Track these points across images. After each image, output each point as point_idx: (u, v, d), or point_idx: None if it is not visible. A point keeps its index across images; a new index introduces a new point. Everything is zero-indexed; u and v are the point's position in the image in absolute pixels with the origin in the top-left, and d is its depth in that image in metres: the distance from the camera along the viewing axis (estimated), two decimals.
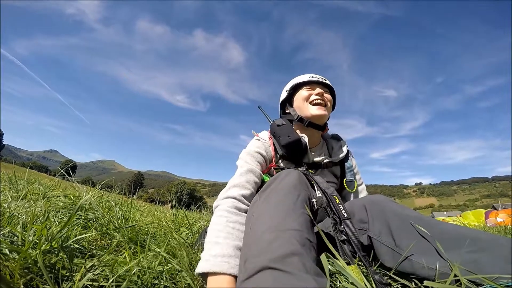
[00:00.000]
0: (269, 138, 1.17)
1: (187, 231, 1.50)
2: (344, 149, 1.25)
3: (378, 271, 0.71)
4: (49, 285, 0.41)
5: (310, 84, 1.23)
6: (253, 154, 1.09)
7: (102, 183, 1.89)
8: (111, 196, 1.57)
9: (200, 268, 0.65)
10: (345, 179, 1.21)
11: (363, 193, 1.28)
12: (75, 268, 0.47)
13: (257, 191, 0.98)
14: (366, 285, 0.56)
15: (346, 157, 1.25)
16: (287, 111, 1.29)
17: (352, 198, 1.23)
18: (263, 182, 1.03)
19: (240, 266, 0.61)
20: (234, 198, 0.89)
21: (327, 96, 1.22)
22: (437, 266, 0.65)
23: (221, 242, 0.71)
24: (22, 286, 0.39)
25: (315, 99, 1.18)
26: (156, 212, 1.97)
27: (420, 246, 0.71)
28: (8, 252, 0.46)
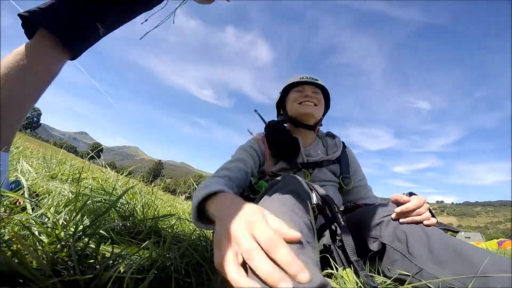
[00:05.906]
0: (262, 137, 1.20)
1: None
2: (340, 146, 1.23)
3: (370, 276, 0.72)
4: (76, 272, 0.40)
5: (301, 85, 1.24)
6: (245, 148, 1.14)
7: (128, 170, 1.95)
8: (136, 183, 1.60)
9: (200, 195, 0.65)
10: (341, 176, 1.17)
11: (365, 189, 1.21)
12: (98, 257, 0.46)
13: (248, 189, 1.01)
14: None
15: (343, 154, 1.22)
16: (281, 113, 1.35)
17: (351, 195, 1.20)
18: (258, 190, 0.97)
19: None
20: (221, 178, 0.90)
21: (317, 96, 1.23)
22: (448, 280, 0.62)
23: (213, 184, 0.72)
24: (50, 272, 0.37)
25: (303, 101, 1.19)
26: (175, 203, 1.99)
27: (432, 257, 0.69)
28: (37, 234, 0.45)
